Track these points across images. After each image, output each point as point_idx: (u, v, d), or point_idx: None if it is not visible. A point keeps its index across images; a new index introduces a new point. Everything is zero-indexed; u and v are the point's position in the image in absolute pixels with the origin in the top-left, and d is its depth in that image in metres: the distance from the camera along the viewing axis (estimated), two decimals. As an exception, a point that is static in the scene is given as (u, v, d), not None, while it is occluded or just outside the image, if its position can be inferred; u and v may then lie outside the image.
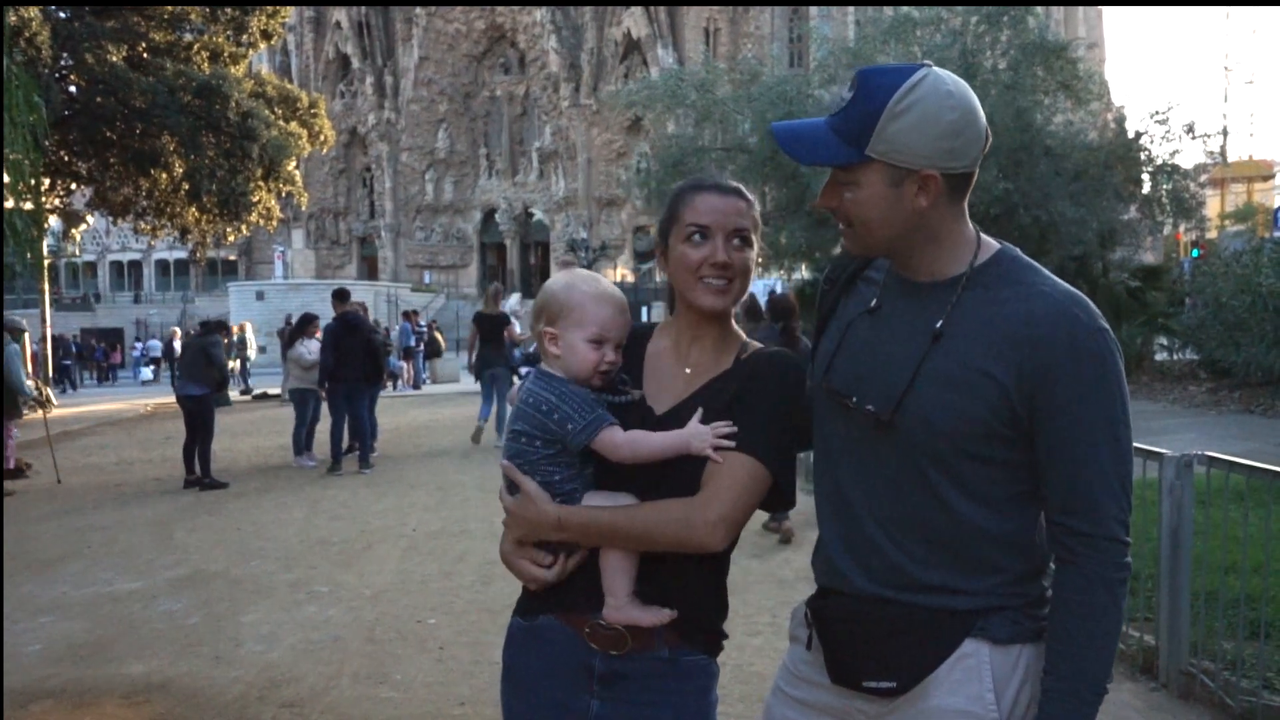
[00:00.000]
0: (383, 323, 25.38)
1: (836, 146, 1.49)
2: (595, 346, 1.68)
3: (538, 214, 56.08)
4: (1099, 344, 1.45)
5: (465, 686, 4.29)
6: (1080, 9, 56.09)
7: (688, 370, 1.73)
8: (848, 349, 1.62)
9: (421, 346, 23.83)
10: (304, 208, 26.11)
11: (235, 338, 21.85)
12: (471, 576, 6.07)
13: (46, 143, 8.41)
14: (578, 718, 1.68)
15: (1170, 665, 4.00)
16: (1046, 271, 1.55)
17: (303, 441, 11.16)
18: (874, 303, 1.62)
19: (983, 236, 1.58)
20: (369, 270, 57.37)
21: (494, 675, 4.34)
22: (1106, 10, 69.77)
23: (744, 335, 1.79)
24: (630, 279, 45.49)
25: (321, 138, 20.94)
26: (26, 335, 11.57)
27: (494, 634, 4.95)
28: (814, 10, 50.32)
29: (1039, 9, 18.04)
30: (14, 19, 10.30)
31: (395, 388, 21.04)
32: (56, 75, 16.53)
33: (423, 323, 25.98)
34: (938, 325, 1.50)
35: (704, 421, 1.65)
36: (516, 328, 12.11)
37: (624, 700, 1.66)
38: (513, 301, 44.71)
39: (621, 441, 1.63)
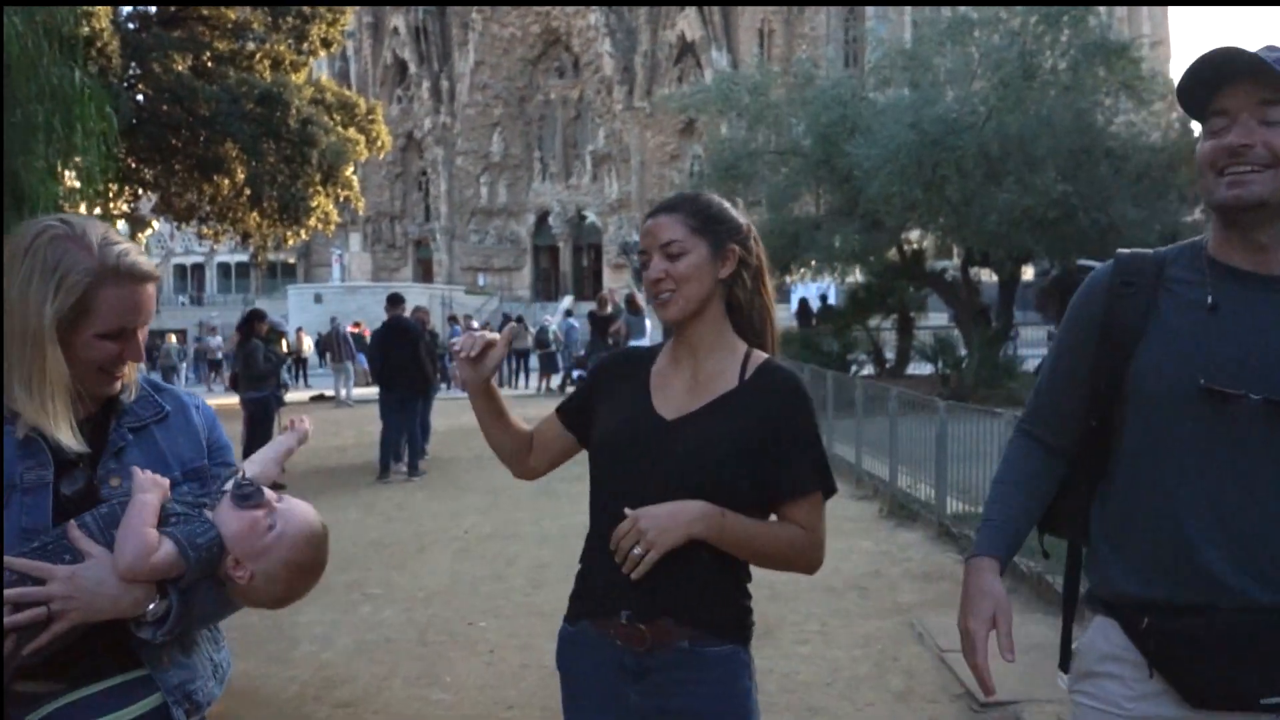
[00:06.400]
0: (438, 326, 25.30)
1: None
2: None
3: (590, 216, 56.28)
4: None
5: (514, 690, 4.33)
6: (1145, 6, 54.85)
7: (694, 381, 1.83)
8: (1208, 346, 1.54)
9: None
10: (361, 212, 26.47)
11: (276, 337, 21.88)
12: (522, 580, 6.13)
13: (114, 150, 8.64)
14: (621, 705, 1.79)
15: None
16: None
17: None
18: (1210, 300, 1.56)
19: None
20: (424, 273, 58.02)
21: (543, 679, 4.41)
22: (1172, 7, 68.10)
23: (742, 343, 1.84)
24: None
25: (379, 143, 21.22)
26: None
27: (544, 638, 4.99)
28: (870, 11, 49.86)
29: (1101, 8, 17.64)
30: (86, 30, 10.67)
31: (448, 389, 21.22)
32: (125, 84, 16.99)
33: (476, 325, 25.88)
34: None
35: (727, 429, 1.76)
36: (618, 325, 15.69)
37: (655, 692, 1.77)
38: (565, 303, 45.00)
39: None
